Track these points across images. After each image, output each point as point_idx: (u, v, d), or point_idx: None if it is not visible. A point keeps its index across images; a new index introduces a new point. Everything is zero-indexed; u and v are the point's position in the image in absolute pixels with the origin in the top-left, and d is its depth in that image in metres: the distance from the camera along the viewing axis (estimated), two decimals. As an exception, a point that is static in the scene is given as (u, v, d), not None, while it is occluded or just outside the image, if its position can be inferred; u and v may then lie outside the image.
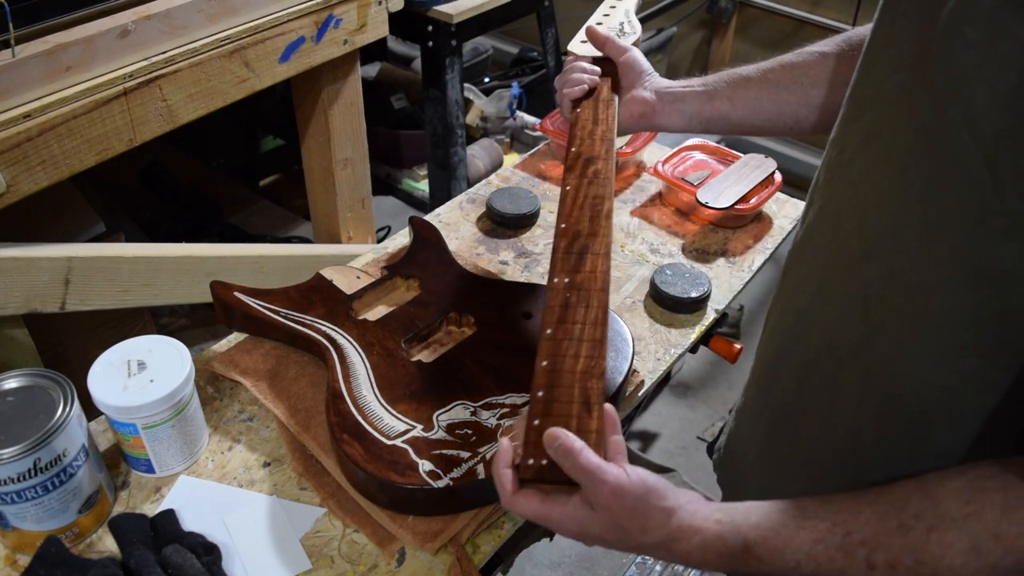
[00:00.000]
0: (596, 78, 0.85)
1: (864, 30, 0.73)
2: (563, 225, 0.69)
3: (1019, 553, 0.43)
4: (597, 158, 0.75)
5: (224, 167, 2.21)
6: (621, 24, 0.91)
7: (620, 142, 1.13)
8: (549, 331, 0.60)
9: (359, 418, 0.70)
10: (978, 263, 0.44)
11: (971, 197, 0.43)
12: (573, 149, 0.77)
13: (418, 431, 0.69)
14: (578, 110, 0.82)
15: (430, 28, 1.62)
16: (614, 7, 0.95)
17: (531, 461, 0.53)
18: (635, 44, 0.89)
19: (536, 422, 0.55)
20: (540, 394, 0.57)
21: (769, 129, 0.79)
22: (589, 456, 0.51)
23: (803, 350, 0.59)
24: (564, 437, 0.52)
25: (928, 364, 0.49)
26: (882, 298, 0.50)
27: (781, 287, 0.66)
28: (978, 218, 0.43)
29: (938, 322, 0.47)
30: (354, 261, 0.97)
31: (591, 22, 0.92)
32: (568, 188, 0.72)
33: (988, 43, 0.41)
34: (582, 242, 0.67)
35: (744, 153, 1.11)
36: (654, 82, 0.83)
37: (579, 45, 0.90)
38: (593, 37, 0.88)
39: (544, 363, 0.59)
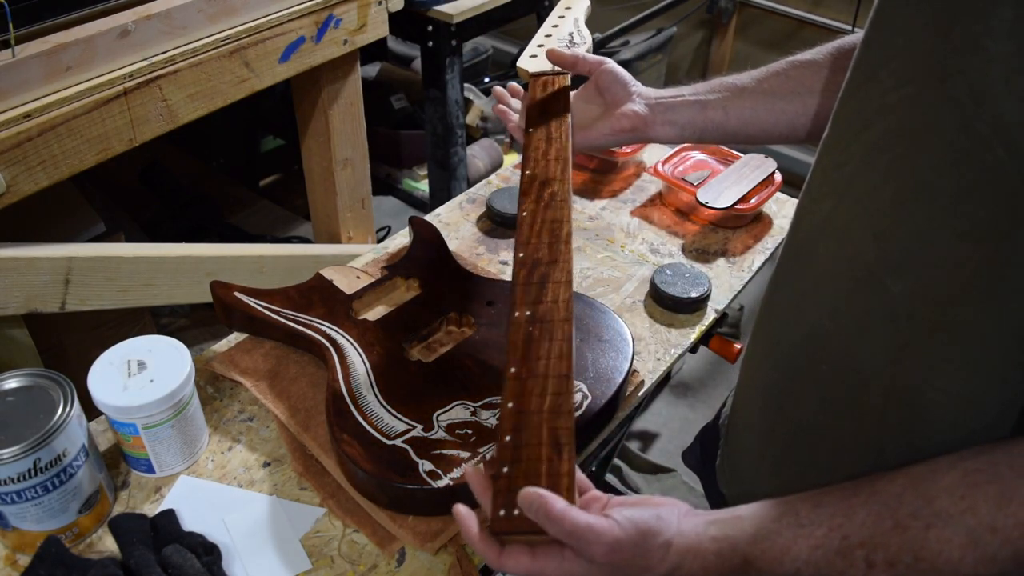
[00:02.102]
0: (513, 116, 0.85)
1: (855, 38, 0.73)
2: (521, 254, 0.66)
3: (1016, 543, 0.44)
4: (553, 180, 0.72)
5: (224, 167, 2.21)
6: (570, 35, 0.88)
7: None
8: (513, 370, 0.57)
9: (359, 418, 0.70)
10: (1012, 273, 0.45)
11: (1005, 209, 0.44)
12: (527, 172, 0.74)
13: (418, 431, 0.69)
14: (529, 129, 0.79)
15: (430, 28, 1.62)
16: (563, 17, 0.91)
17: (503, 512, 0.50)
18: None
19: (505, 469, 0.52)
20: (507, 439, 0.54)
21: (763, 139, 0.79)
22: (575, 517, 0.49)
23: (824, 368, 0.58)
24: (541, 499, 0.49)
25: (959, 375, 0.49)
26: (912, 313, 0.50)
27: (776, 300, 0.65)
28: (1012, 229, 0.44)
29: (971, 333, 0.48)
30: (354, 261, 0.97)
31: (539, 36, 0.88)
32: (524, 214, 0.69)
33: (1014, 57, 0.41)
34: (542, 270, 0.64)
35: (744, 153, 1.11)
36: (642, 92, 0.80)
37: (528, 61, 0.86)
38: (559, 60, 0.83)
39: (510, 405, 0.55)
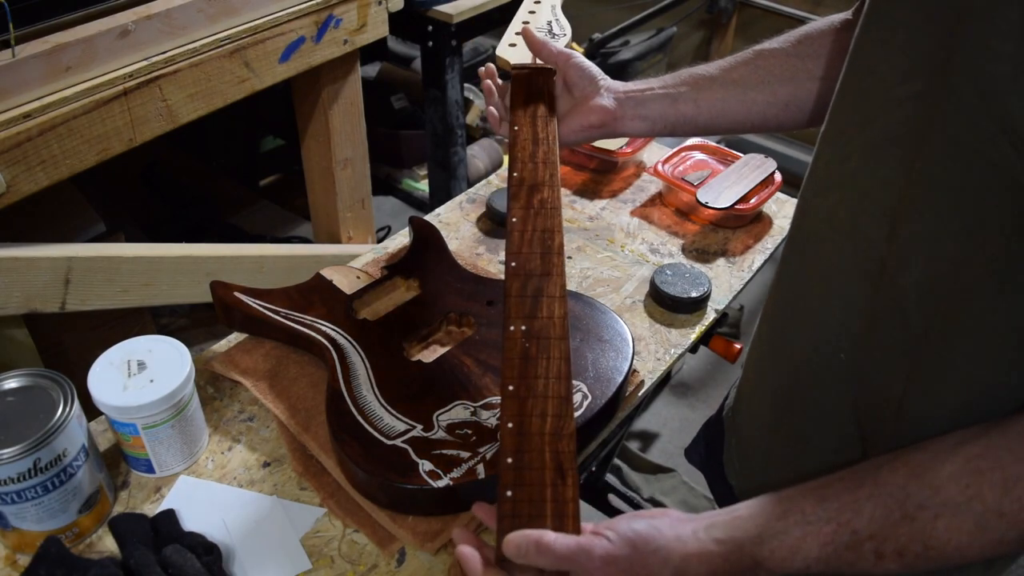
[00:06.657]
0: (495, 112, 0.79)
1: (819, 24, 0.73)
2: (513, 264, 0.64)
3: (1022, 526, 0.45)
4: (542, 185, 0.70)
5: (224, 167, 2.22)
6: (549, 23, 0.84)
7: (615, 143, 1.13)
8: (511, 388, 0.56)
9: (359, 418, 0.70)
10: (1018, 271, 0.45)
11: (1011, 206, 0.44)
12: (515, 174, 0.70)
13: (418, 431, 0.69)
14: (515, 127, 0.75)
15: (430, 28, 1.62)
16: (539, 2, 0.87)
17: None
18: (568, 46, 0.82)
19: (509, 493, 0.51)
20: (509, 460, 0.53)
21: (734, 129, 0.78)
22: (564, 542, 0.48)
23: (841, 358, 0.58)
24: (527, 539, 0.48)
25: (974, 365, 0.50)
26: (921, 306, 0.50)
27: (781, 298, 0.64)
28: (1018, 226, 0.44)
29: (984, 327, 0.48)
30: (354, 261, 0.97)
31: (516, 23, 0.84)
32: (515, 220, 0.67)
33: (1020, 56, 0.41)
34: (535, 283, 0.63)
35: (744, 153, 1.11)
36: (610, 86, 0.78)
37: (507, 49, 0.82)
38: (530, 39, 0.80)
39: (510, 425, 0.55)
